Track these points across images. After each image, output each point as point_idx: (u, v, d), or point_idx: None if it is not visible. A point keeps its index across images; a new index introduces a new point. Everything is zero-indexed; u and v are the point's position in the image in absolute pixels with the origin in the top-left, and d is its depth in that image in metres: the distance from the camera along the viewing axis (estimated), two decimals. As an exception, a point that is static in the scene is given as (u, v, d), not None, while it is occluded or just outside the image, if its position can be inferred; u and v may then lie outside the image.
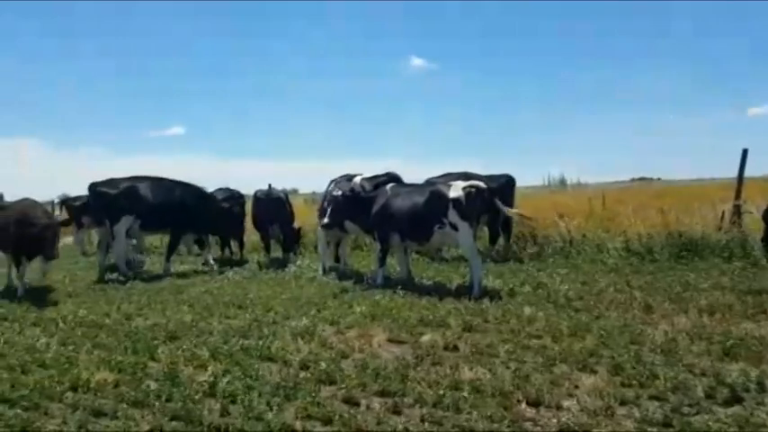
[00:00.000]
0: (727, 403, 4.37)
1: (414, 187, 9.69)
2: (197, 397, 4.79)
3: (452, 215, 8.55)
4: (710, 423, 4.05)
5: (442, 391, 4.70)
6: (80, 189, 13.60)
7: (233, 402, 4.69)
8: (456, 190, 8.60)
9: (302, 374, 5.27)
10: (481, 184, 8.86)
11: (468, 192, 8.52)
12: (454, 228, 8.58)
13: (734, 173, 12.51)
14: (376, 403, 4.62)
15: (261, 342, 6.22)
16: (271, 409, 4.52)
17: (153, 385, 5.08)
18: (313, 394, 4.75)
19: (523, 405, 4.48)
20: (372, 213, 9.47)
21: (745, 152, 12.36)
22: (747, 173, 12.42)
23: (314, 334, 6.51)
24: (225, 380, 5.09)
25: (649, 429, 4.04)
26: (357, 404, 4.62)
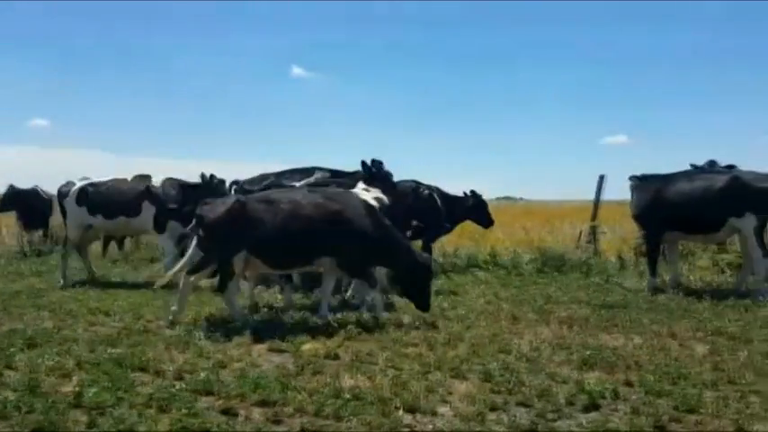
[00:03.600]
0: (587, 409, 4.68)
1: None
2: (61, 408, 4.47)
3: None
4: (573, 428, 4.36)
5: (322, 400, 4.71)
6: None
7: (101, 414, 4.43)
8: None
9: (177, 385, 5.05)
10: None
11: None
12: None
13: (591, 196, 13.60)
14: (255, 413, 4.55)
15: (131, 351, 5.94)
16: (143, 421, 4.31)
17: (11, 396, 4.71)
18: (189, 405, 4.57)
19: (401, 412, 4.58)
20: None
21: (601, 178, 13.47)
22: (604, 197, 13.55)
23: (189, 343, 6.30)
24: (92, 390, 4.78)
25: (517, 434, 4.29)
26: (236, 415, 4.52)
